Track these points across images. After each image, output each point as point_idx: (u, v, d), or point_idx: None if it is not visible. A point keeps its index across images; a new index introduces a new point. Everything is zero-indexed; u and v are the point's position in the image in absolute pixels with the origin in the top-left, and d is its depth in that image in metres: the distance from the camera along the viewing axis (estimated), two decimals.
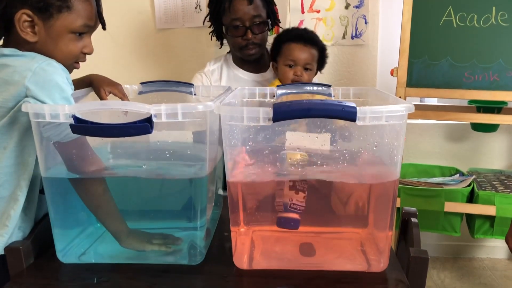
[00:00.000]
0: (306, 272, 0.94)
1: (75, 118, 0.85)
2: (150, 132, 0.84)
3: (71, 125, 0.85)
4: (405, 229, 1.10)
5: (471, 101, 2.02)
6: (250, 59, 1.71)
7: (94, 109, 0.88)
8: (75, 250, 1.00)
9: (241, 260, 0.95)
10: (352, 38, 2.17)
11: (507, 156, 2.24)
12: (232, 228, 0.95)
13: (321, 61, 1.68)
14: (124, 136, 0.85)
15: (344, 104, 0.81)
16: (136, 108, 0.86)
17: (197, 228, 0.97)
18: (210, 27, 1.76)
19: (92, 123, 0.85)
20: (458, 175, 2.03)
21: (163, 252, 0.98)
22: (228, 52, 1.84)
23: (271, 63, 1.72)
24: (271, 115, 0.81)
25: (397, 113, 0.83)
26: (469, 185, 1.87)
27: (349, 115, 0.81)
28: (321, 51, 1.66)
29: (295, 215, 0.97)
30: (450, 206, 1.80)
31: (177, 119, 0.85)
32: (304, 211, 0.96)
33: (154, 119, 0.84)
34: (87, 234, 1.06)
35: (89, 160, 0.97)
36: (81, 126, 0.85)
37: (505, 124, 2.08)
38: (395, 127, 0.87)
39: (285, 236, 1.02)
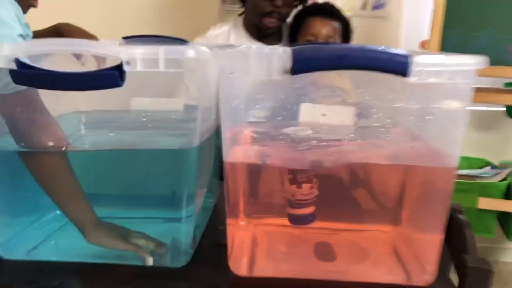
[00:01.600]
0: (325, 283, 0.70)
1: (19, 63, 0.61)
2: (119, 85, 0.61)
3: (11, 72, 0.61)
4: (449, 229, 0.87)
5: (508, 84, 1.78)
6: (267, 31, 1.53)
7: (43, 50, 0.64)
8: (23, 244, 0.77)
9: (239, 264, 0.72)
10: (373, 9, 1.93)
11: None
12: (228, 221, 0.72)
13: (346, 36, 1.53)
14: (84, 89, 0.62)
15: (393, 51, 0.57)
16: (100, 50, 0.62)
17: (182, 219, 0.76)
18: None
19: (41, 69, 0.62)
20: (489, 167, 1.80)
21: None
22: (239, 14, 1.64)
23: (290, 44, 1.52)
24: (289, 65, 0.57)
25: (466, 67, 0.60)
26: (505, 179, 1.63)
27: (400, 66, 0.57)
28: (345, 25, 1.53)
29: (307, 210, 0.75)
30: (484, 203, 1.56)
31: (158, 68, 0.61)
32: (317, 199, 0.73)
33: (126, 68, 0.61)
34: (41, 224, 0.83)
35: (42, 127, 0.73)
36: (25, 73, 0.62)
37: None
38: (459, 89, 0.63)
39: (296, 233, 0.81)
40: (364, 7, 1.94)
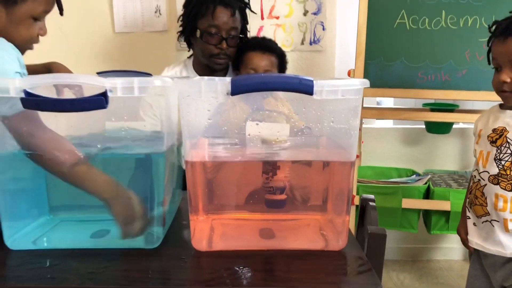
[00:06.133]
0: (265, 252, 0.93)
1: (26, 92, 0.82)
2: (105, 107, 0.82)
3: (22, 99, 0.81)
4: (364, 213, 1.12)
5: (426, 104, 2.10)
6: (217, 68, 1.71)
7: (47, 82, 0.85)
8: (26, 238, 0.95)
9: (200, 243, 0.93)
10: (310, 44, 2.23)
11: (460, 158, 2.33)
12: (190, 217, 0.93)
13: (281, 67, 1.73)
14: (77, 110, 0.83)
15: (301, 77, 0.82)
16: (90, 81, 0.83)
17: (154, 217, 0.95)
18: (180, 26, 1.74)
19: (44, 97, 0.83)
20: (414, 175, 2.09)
21: (117, 236, 0.94)
22: (188, 57, 1.83)
23: (234, 72, 1.74)
24: (229, 89, 0.81)
25: (353, 86, 0.85)
26: (425, 183, 1.92)
27: (306, 88, 0.82)
28: (280, 57, 1.71)
29: (279, 197, 0.96)
30: (407, 203, 1.84)
31: (133, 94, 0.83)
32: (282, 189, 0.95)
33: (109, 94, 0.82)
34: (39, 223, 1.01)
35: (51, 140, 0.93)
36: (32, 100, 0.82)
37: (457, 126, 2.18)
38: (351, 103, 0.88)
39: (245, 223, 1.02)
40: (302, 42, 2.22)
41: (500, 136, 1.28)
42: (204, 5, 1.61)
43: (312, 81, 0.81)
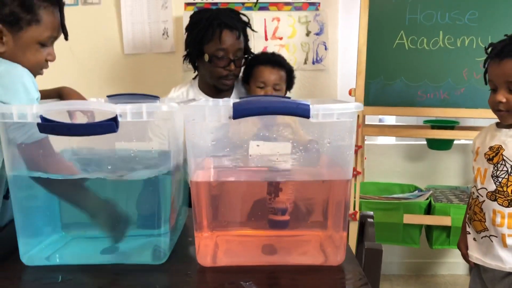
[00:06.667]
0: (268, 267, 0.97)
1: (42, 118, 0.88)
2: (115, 131, 0.87)
3: (38, 124, 0.87)
4: (363, 230, 1.16)
5: (427, 121, 2.14)
6: (225, 89, 1.77)
7: (62, 108, 0.92)
8: (40, 254, 1.00)
9: (205, 258, 0.98)
10: (313, 63, 2.29)
11: (461, 173, 2.35)
12: (195, 234, 0.98)
13: (289, 82, 1.81)
14: (90, 135, 0.88)
15: (299, 102, 0.87)
16: (102, 108, 0.90)
17: (161, 234, 0.99)
18: (186, 50, 1.80)
19: (59, 122, 0.88)
20: (417, 191, 2.12)
21: (126, 252, 0.99)
22: (193, 78, 1.89)
23: (243, 85, 1.81)
24: (231, 113, 0.86)
25: (348, 110, 0.90)
26: (427, 199, 1.95)
27: (303, 112, 0.87)
28: (289, 72, 1.79)
29: (281, 218, 1.01)
30: (408, 218, 1.88)
31: (142, 119, 0.89)
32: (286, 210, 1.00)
33: (119, 119, 0.88)
34: (52, 240, 1.06)
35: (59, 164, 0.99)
36: (48, 125, 0.88)
37: (458, 142, 2.22)
38: (346, 125, 0.93)
39: (248, 239, 1.06)
40: (305, 62, 2.28)
41: (497, 154, 1.32)
42: (210, 29, 1.66)
43: (308, 105, 0.87)
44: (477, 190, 1.37)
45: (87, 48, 2.29)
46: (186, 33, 1.78)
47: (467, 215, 1.45)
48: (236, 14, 1.75)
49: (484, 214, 1.34)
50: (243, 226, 1.04)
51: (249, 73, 1.77)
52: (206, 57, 1.70)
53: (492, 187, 1.32)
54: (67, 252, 1.03)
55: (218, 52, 1.68)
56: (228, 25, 1.68)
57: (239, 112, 0.86)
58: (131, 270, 0.95)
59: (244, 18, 1.77)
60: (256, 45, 2.26)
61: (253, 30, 1.83)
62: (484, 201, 1.34)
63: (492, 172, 1.32)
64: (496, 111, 1.32)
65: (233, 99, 1.31)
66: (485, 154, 1.35)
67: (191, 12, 2.12)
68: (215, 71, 1.71)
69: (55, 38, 1.10)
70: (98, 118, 0.92)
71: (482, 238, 1.36)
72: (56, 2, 1.09)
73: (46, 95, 1.15)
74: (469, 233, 1.42)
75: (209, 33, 1.67)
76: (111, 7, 2.28)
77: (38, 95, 1.02)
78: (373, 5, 1.91)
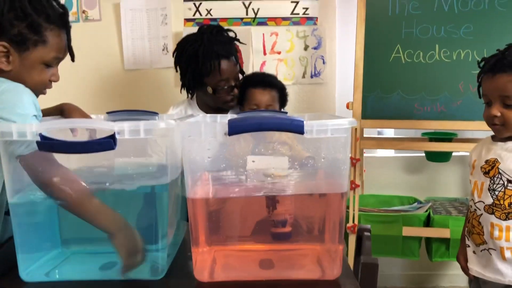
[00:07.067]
0: (265, 282, 0.97)
1: (42, 136, 0.89)
2: (113, 148, 0.89)
3: (37, 142, 0.88)
4: (360, 243, 1.16)
5: (425, 133, 2.15)
6: (230, 109, 1.80)
7: (61, 127, 0.93)
8: (40, 270, 1.01)
9: (202, 274, 0.98)
10: (311, 77, 2.31)
11: (461, 185, 2.36)
12: (192, 249, 0.99)
13: (282, 100, 1.82)
14: (88, 152, 0.90)
15: (293, 118, 0.89)
16: (100, 126, 0.91)
17: (159, 250, 1.00)
18: (181, 80, 1.81)
19: (57, 140, 0.90)
20: (416, 203, 2.13)
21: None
22: (191, 98, 1.90)
23: (238, 107, 1.83)
24: (227, 130, 0.88)
25: (341, 126, 0.91)
26: (426, 211, 1.96)
27: (297, 128, 0.88)
28: (281, 91, 1.80)
29: (283, 230, 1.02)
30: (407, 231, 1.88)
31: (139, 136, 0.90)
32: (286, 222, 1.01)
33: (117, 136, 0.90)
34: (52, 256, 1.07)
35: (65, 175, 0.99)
36: (47, 143, 0.89)
37: (457, 154, 2.22)
38: (340, 140, 0.94)
39: (246, 254, 1.06)
40: (304, 75, 2.30)
41: (493, 167, 1.32)
42: (207, 63, 1.68)
43: (302, 121, 0.88)
44: (474, 203, 1.38)
45: (88, 63, 2.31)
46: (180, 64, 1.79)
47: (466, 228, 1.45)
48: (224, 35, 1.76)
49: (482, 227, 1.34)
50: (240, 241, 1.05)
51: (242, 96, 1.79)
52: (210, 89, 1.73)
53: (489, 200, 1.32)
54: (67, 268, 1.04)
55: (221, 83, 1.71)
56: (224, 55, 1.70)
57: (234, 129, 0.87)
58: (129, 285, 0.96)
59: (231, 34, 1.79)
60: (255, 60, 2.29)
61: (241, 43, 1.84)
62: (481, 214, 1.35)
63: (489, 185, 1.33)
64: (491, 125, 1.33)
65: (230, 115, 1.33)
66: (481, 167, 1.36)
67: (191, 28, 2.17)
68: (219, 99, 1.75)
69: (60, 59, 1.13)
70: (99, 134, 0.94)
71: (481, 251, 1.36)
72: (63, 25, 1.12)
73: (48, 113, 1.17)
74: (469, 246, 1.42)
75: (207, 67, 1.68)
76: (111, 24, 2.32)
77: (38, 113, 1.04)
78: (369, 19, 1.93)
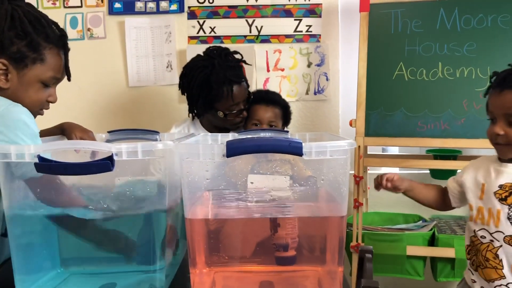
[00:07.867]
0: None
1: (40, 157, 0.89)
2: (111, 170, 0.89)
3: (35, 164, 0.89)
4: (362, 265, 1.15)
5: (429, 151, 2.14)
6: (238, 128, 1.80)
7: (58, 148, 0.93)
8: None
9: None
10: (315, 94, 2.31)
11: None
12: (190, 270, 0.98)
13: (286, 118, 1.82)
14: (86, 174, 0.90)
15: (291, 140, 0.88)
16: (98, 147, 0.91)
17: (156, 271, 1.00)
18: (189, 104, 1.81)
19: (55, 161, 0.90)
20: (421, 221, 2.10)
21: None
22: (193, 119, 1.90)
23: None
24: (225, 152, 0.88)
25: (340, 148, 0.91)
26: (430, 229, 1.93)
27: (296, 150, 0.88)
28: (284, 108, 1.80)
29: (286, 254, 1.00)
30: (411, 250, 1.85)
31: (137, 157, 0.90)
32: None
33: (115, 158, 0.90)
34: (51, 277, 1.06)
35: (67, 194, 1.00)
36: (44, 165, 0.89)
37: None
38: (339, 162, 0.94)
39: (246, 275, 1.05)
40: (307, 92, 2.30)
41: (510, 194, 1.22)
42: (220, 89, 1.66)
43: (301, 143, 0.88)
44: (490, 234, 1.24)
45: (92, 81, 2.33)
46: (190, 90, 1.76)
47: (469, 261, 1.33)
48: (232, 58, 1.75)
49: (501, 260, 1.23)
50: (240, 262, 1.04)
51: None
52: (221, 114, 1.72)
53: (510, 230, 1.21)
54: None
55: (232, 108, 1.71)
56: (235, 81, 1.69)
57: (232, 151, 0.87)
58: None
59: (238, 56, 1.78)
60: (259, 77, 2.30)
61: (247, 63, 1.84)
62: (501, 246, 1.22)
63: (508, 213, 1.21)
64: (494, 143, 1.25)
65: (231, 135, 1.33)
66: (495, 193, 1.24)
67: (195, 46, 2.19)
68: (229, 122, 1.75)
69: (58, 80, 1.15)
70: (100, 153, 0.95)
71: (496, 287, 1.24)
72: (62, 46, 1.14)
73: (49, 132, 1.18)
74: (475, 281, 1.30)
75: (220, 94, 1.67)
76: (116, 41, 2.34)
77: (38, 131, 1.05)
78: (372, 37, 1.93)
